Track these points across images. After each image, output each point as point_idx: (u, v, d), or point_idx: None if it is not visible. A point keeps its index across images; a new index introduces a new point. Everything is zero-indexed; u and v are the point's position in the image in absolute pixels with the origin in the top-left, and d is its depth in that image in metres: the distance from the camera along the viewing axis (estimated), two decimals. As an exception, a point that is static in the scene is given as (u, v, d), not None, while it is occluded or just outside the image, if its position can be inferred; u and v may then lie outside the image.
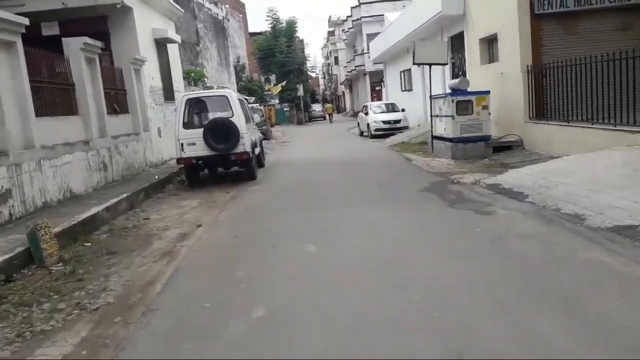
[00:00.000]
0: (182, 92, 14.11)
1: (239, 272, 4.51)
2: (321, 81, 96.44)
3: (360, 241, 5.28)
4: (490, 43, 14.78)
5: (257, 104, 29.67)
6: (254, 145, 11.04)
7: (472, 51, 15.57)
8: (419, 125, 23.07)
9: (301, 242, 5.39)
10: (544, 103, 12.25)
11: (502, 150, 12.70)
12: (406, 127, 21.91)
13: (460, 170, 10.48)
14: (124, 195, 8.35)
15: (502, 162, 11.23)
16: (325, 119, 49.61)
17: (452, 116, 12.73)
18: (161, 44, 14.85)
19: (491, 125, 12.84)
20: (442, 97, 13.41)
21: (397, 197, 7.85)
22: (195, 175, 10.94)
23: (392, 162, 13.09)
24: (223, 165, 10.97)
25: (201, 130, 10.04)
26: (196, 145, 10.11)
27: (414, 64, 14.47)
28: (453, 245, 4.97)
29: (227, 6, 40.89)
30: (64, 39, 9.10)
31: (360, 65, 44.11)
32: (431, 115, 14.39)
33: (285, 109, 42.17)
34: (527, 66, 12.16)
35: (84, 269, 4.87)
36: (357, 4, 44.24)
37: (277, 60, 43.85)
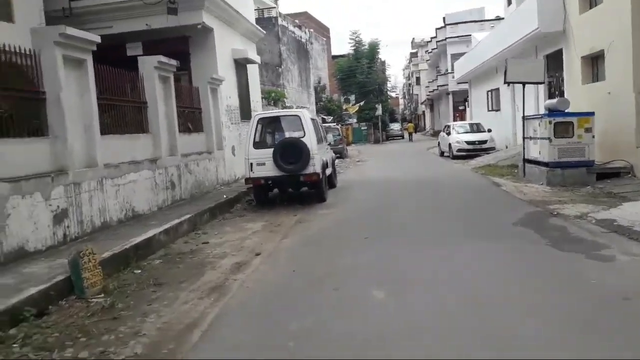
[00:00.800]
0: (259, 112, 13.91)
1: (291, 323, 3.77)
2: (401, 101, 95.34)
3: (438, 293, 4.31)
4: (594, 61, 13.16)
5: (334, 123, 29.33)
6: (325, 166, 10.41)
7: (572, 70, 13.97)
8: (506, 147, 21.37)
9: (368, 286, 4.56)
10: (660, 126, 10.53)
11: (608, 177, 11.05)
12: (492, 149, 20.33)
13: (559, 200, 9.12)
14: (187, 217, 8.00)
15: (610, 191, 9.66)
16: (403, 137, 48.67)
17: (548, 138, 11.31)
18: (241, 64, 14.81)
19: (595, 149, 11.25)
20: (538, 117, 12.03)
21: (485, 231, 6.77)
22: (264, 196, 10.48)
23: (477, 186, 11.86)
24: (292, 186, 10.44)
25: (271, 150, 9.58)
26: (265, 165, 9.66)
27: (505, 82, 13.19)
28: (563, 307, 3.84)
29: (312, 30, 41.42)
30: (139, 58, 9.07)
31: (443, 85, 42.60)
32: (523, 137, 12.99)
33: (362, 128, 41.57)
34: (642, 84, 10.54)
35: (124, 303, 4.39)
36: (443, 25, 42.97)
37: (357, 81, 43.56)
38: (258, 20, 28.45)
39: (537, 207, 8.38)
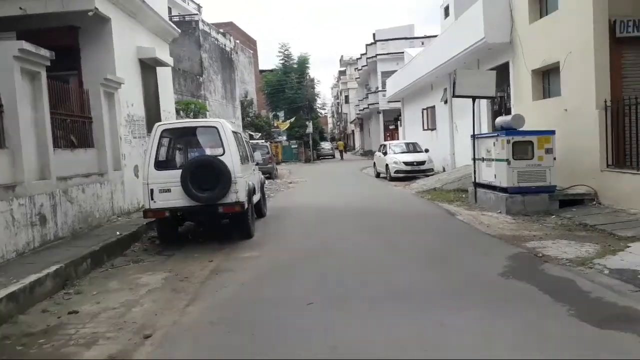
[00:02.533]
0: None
1: None
2: (330, 120, 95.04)
3: None
4: (545, 75, 12.20)
5: (263, 141, 27.23)
6: (251, 192, 8.30)
7: (521, 85, 12.97)
8: (443, 169, 20.39)
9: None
10: (624, 147, 9.52)
11: (571, 205, 9.89)
12: (431, 170, 19.21)
13: (531, 234, 7.66)
14: (53, 269, 5.55)
15: (583, 222, 8.38)
16: (334, 157, 47.65)
17: (506, 160, 10.00)
18: (148, 67, 12.39)
19: (556, 173, 10.06)
20: (493, 136, 10.70)
21: (470, 289, 4.97)
22: (171, 232, 8.15)
23: (430, 216, 10.24)
24: (207, 219, 8.24)
25: (179, 172, 7.32)
26: (171, 192, 7.38)
27: (454, 96, 11.84)
28: None
29: (238, 41, 39.23)
30: (-10, 42, 6.54)
31: (374, 104, 41.96)
32: (474, 158, 11.65)
33: (293, 146, 39.77)
34: (605, 101, 9.50)
35: None
36: (373, 41, 42.51)
37: (286, 96, 41.92)
38: (176, 24, 25.91)
39: (513, 246, 6.80)
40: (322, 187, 17.61)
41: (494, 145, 10.56)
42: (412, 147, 20.78)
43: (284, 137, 41.73)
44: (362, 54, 46.43)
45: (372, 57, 41.36)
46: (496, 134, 10.52)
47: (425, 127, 22.92)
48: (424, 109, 23.03)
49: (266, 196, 13.23)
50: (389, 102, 37.02)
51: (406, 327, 3.97)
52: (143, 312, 4.68)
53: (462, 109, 18.44)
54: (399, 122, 32.44)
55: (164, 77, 13.81)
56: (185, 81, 22.82)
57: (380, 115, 41.31)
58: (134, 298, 5.13)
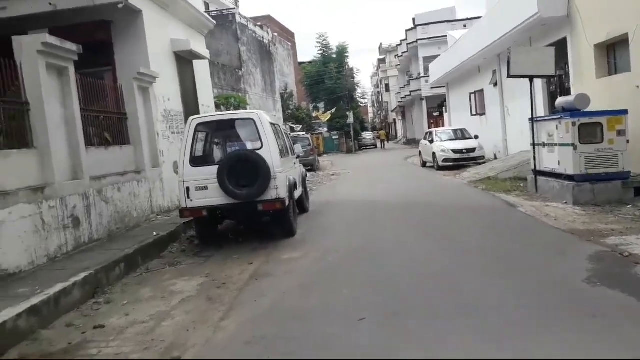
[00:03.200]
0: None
1: None
2: (370, 109, 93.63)
3: None
4: (610, 49, 10.98)
5: (304, 133, 26.72)
6: (292, 187, 7.72)
7: (582, 62, 11.76)
8: (495, 156, 19.22)
9: None
10: None
11: (647, 193, 8.81)
12: (482, 158, 18.08)
13: (608, 228, 6.72)
14: (82, 276, 5.17)
15: (669, 214, 7.34)
16: (376, 146, 46.71)
17: (572, 145, 8.98)
18: (184, 60, 12.02)
19: (629, 157, 8.97)
20: (555, 119, 9.67)
21: (550, 300, 4.17)
22: (210, 232, 7.70)
23: (487, 208, 9.37)
24: (247, 217, 7.73)
25: (215, 168, 6.83)
26: (208, 190, 6.90)
27: (509, 76, 10.83)
28: None
29: (276, 34, 38.81)
30: (13, 38, 6.21)
31: (416, 90, 40.61)
32: (533, 144, 10.64)
33: (334, 137, 39.08)
34: (688, 72, 8.33)
35: None
36: (413, 26, 41.09)
37: (326, 87, 41.20)
38: (213, 18, 25.68)
39: (591, 243, 5.92)
40: (366, 179, 16.89)
41: (557, 128, 9.54)
42: (461, 134, 19.68)
43: (325, 129, 41.10)
44: (402, 40, 45.07)
45: (413, 42, 39.98)
46: (559, 116, 9.49)
47: (474, 112, 21.72)
48: (471, 93, 21.82)
49: (308, 190, 12.71)
50: (432, 88, 35.70)
51: (478, 354, 3.27)
52: (174, 326, 4.18)
53: (513, 91, 17.25)
54: (444, 108, 31.18)
55: (202, 70, 13.45)
56: (224, 75, 22.54)
57: (424, 102, 39.96)
58: (165, 309, 4.66)
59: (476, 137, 19.11)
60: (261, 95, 26.96)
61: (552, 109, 14.18)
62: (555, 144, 9.66)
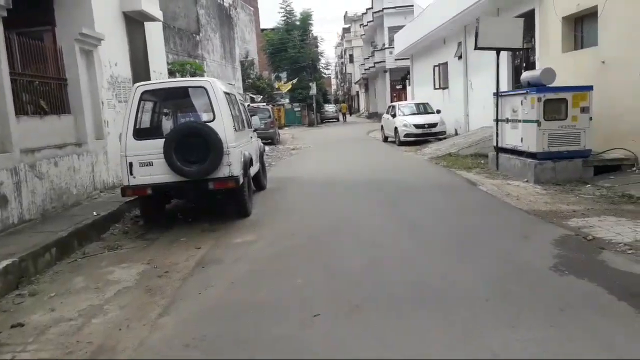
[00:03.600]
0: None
1: None
2: (333, 81, 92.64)
3: None
4: (578, 22, 10.82)
5: (264, 104, 25.90)
6: (247, 164, 7.20)
7: (549, 35, 11.60)
8: (456, 131, 19.18)
9: None
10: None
11: (606, 171, 8.80)
12: (443, 133, 18.00)
13: (569, 209, 6.61)
14: (2, 265, 4.57)
15: (625, 192, 7.31)
16: (338, 120, 46.29)
17: (536, 121, 8.85)
18: (135, 21, 11.10)
19: (592, 135, 8.90)
20: (521, 94, 9.47)
21: (517, 290, 3.91)
22: (156, 211, 7.14)
23: (448, 186, 9.16)
24: (196, 196, 7.21)
25: (162, 142, 6.23)
26: (153, 166, 6.31)
27: (476, 48, 10.50)
28: None
29: (237, -3, 37.23)
30: None
31: (380, 62, 40.11)
32: (496, 120, 10.46)
33: (296, 109, 38.32)
34: (653, 50, 8.23)
35: None
36: (379, -7, 40.28)
37: (289, 56, 40.09)
38: (170, -21, 24.15)
39: (554, 225, 5.76)
40: (327, 154, 16.49)
41: (522, 104, 9.35)
42: (423, 108, 19.48)
43: (287, 100, 40.23)
44: (367, 9, 44.27)
45: (379, 11, 39.28)
46: (525, 91, 9.28)
47: (437, 86, 21.51)
48: (435, 66, 21.56)
49: (267, 165, 12.23)
50: (396, 59, 35.28)
51: (442, 352, 2.97)
52: (105, 324, 3.70)
53: (478, 65, 17.07)
54: (407, 81, 30.91)
55: (154, 34, 12.52)
56: (180, 40, 21.38)
57: (387, 75, 39.60)
58: (98, 303, 4.15)
59: (438, 111, 18.95)
60: (220, 62, 25.87)
61: (516, 83, 14.07)
62: (519, 120, 9.49)
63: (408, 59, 28.90)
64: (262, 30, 49.01)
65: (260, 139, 9.99)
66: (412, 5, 31.64)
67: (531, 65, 12.60)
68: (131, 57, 10.81)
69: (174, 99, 7.39)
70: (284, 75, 43.08)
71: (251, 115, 20.79)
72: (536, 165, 8.82)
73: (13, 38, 6.88)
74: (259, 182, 9.34)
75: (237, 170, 6.49)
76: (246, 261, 5.03)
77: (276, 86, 40.98)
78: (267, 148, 19.03)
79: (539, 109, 8.80)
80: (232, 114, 6.75)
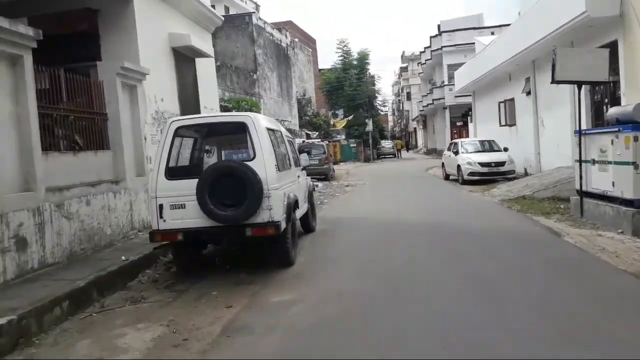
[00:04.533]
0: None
1: None
2: (390, 118, 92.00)
3: None
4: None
5: (319, 140, 25.41)
6: (291, 207, 6.34)
7: (636, 67, 10.21)
8: (525, 171, 17.61)
9: None
10: None
11: None
12: (512, 172, 16.50)
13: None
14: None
15: None
16: (395, 156, 45.25)
17: (632, 163, 7.46)
18: (184, 57, 10.84)
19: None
20: (611, 132, 8.13)
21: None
22: (189, 258, 6.39)
23: (527, 236, 7.85)
24: (233, 242, 6.41)
25: (195, 182, 5.52)
26: (186, 209, 5.59)
27: (553, 81, 9.31)
28: None
29: (296, 39, 37.80)
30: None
31: (439, 99, 39.02)
32: (580, 160, 9.11)
33: (352, 145, 37.65)
34: None
35: None
36: (438, 32, 39.58)
37: (345, 94, 39.89)
38: (228, 18, 24.69)
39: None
40: (384, 192, 15.45)
41: (613, 143, 8.00)
42: (488, 146, 18.10)
43: (343, 136, 39.75)
44: (426, 47, 43.55)
45: (437, 49, 38.44)
46: (616, 129, 7.95)
47: (503, 123, 20.11)
48: (500, 102, 20.23)
49: (318, 203, 11.41)
50: (456, 96, 34.14)
51: None
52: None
53: (549, 101, 15.70)
54: (468, 117, 29.54)
55: (206, 69, 12.24)
56: (237, 78, 21.45)
57: (447, 111, 38.32)
58: (94, 382, 3.34)
59: (505, 149, 17.54)
60: (276, 100, 25.80)
61: (596, 120, 12.61)
62: (610, 162, 8.13)
63: (469, 95, 27.70)
64: (320, 70, 49.42)
65: (310, 177, 9.19)
66: (472, 43, 30.62)
67: (615, 101, 11.17)
68: (180, 93, 10.48)
69: (213, 136, 6.75)
70: (340, 112, 42.86)
71: (305, 151, 20.10)
72: (634, 215, 7.40)
73: (58, 73, 6.59)
74: (307, 224, 8.49)
75: (278, 214, 5.65)
76: (280, 332, 4.08)
77: (332, 123, 40.70)
78: (320, 184, 18.34)
79: (635, 150, 7.46)
80: (275, 152, 5.97)
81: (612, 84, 11.52)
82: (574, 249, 6.74)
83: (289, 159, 6.99)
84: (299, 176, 7.55)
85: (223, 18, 13.28)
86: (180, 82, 10.58)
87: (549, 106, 15.66)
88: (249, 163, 5.59)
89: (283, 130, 7.32)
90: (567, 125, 14.14)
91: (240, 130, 5.89)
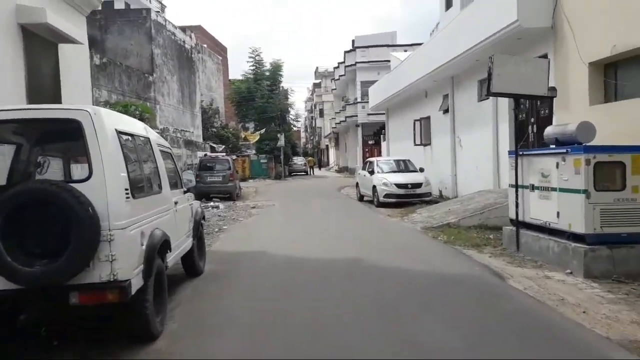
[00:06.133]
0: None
1: None
2: (303, 134, 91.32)
3: None
4: (610, 69, 8.71)
5: (224, 154, 23.15)
6: (155, 252, 4.22)
7: (569, 84, 9.46)
8: (440, 193, 16.82)
9: None
10: None
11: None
12: (428, 194, 15.55)
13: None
14: None
15: None
16: (307, 173, 44.06)
17: (583, 191, 6.37)
18: (41, 41, 8.35)
19: (656, 212, 6.46)
20: (557, 153, 7.01)
21: None
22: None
23: (465, 279, 6.39)
24: (50, 313, 4.22)
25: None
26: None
27: (488, 94, 8.17)
28: None
29: (205, 45, 35.25)
30: None
31: (352, 116, 38.45)
32: (516, 185, 7.98)
33: (262, 161, 35.64)
34: None
35: None
36: (352, 48, 39.14)
37: (256, 106, 37.89)
38: (123, 12, 21.97)
39: None
40: (294, 216, 13.65)
41: (558, 166, 6.91)
42: (404, 166, 17.10)
43: (253, 151, 37.62)
44: (339, 63, 42.97)
45: (351, 65, 37.94)
46: (563, 150, 6.84)
47: (417, 142, 19.32)
48: (416, 120, 19.45)
49: (215, 232, 9.40)
50: (369, 114, 33.68)
51: None
52: None
53: (468, 119, 14.99)
54: (381, 136, 28.92)
55: (74, 61, 9.73)
56: (129, 79, 18.69)
57: (359, 129, 37.79)
58: None
59: (421, 169, 16.63)
60: (176, 107, 23.19)
61: (518, 141, 11.87)
62: (554, 188, 7.02)
63: (383, 113, 27.07)
64: (231, 81, 47.02)
65: (212, 196, 7.12)
66: (387, 60, 30.29)
67: (544, 120, 10.39)
68: (31, 86, 7.96)
69: (30, 142, 4.48)
70: (251, 125, 40.73)
71: (209, 167, 17.46)
72: (586, 253, 6.27)
73: None
74: (191, 265, 6.44)
75: (127, 269, 3.59)
76: None
77: (242, 136, 38.40)
78: (221, 206, 16.13)
79: (587, 175, 6.36)
80: (128, 169, 3.90)
81: (536, 102, 10.78)
82: (527, 299, 5.35)
83: (158, 179, 4.91)
84: (176, 202, 5.47)
85: (99, 1, 10.80)
86: (32, 72, 8.06)
87: (468, 124, 14.94)
88: (79, 185, 3.48)
89: (154, 136, 5.23)
90: (488, 144, 13.39)
91: (73, 133, 3.75)
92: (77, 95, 9.79)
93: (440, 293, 5.72)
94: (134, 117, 15.85)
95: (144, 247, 3.98)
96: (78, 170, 4.02)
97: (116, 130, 3.92)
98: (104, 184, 3.55)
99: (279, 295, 5.65)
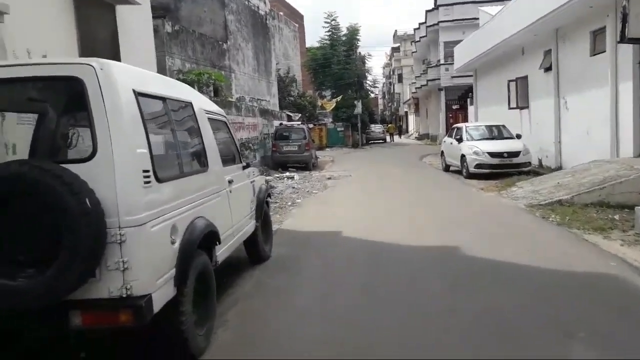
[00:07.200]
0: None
1: None
2: (380, 101, 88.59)
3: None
4: None
5: (299, 123, 22.26)
6: (192, 251, 3.23)
7: None
8: (540, 163, 14.80)
9: None
10: None
11: None
12: (527, 164, 13.59)
13: None
14: None
15: None
16: (385, 141, 42.27)
17: None
18: (95, 2, 7.66)
19: None
20: None
21: None
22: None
23: (597, 280, 4.89)
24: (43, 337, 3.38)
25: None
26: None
27: (622, 40, 6.35)
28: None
29: (281, 13, 34.28)
30: None
31: (434, 80, 35.86)
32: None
33: (339, 129, 34.48)
34: None
35: None
36: (434, 6, 36.26)
37: (333, 72, 36.50)
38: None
39: None
40: (372, 189, 12.43)
41: None
42: (498, 132, 15.15)
43: (330, 119, 36.54)
44: (420, 23, 40.19)
45: (433, 25, 35.18)
46: None
47: (512, 105, 17.12)
48: (510, 81, 17.20)
49: (288, 205, 8.53)
50: (453, 77, 31.17)
51: None
52: None
53: (575, 78, 12.81)
54: (468, 100, 26.54)
55: (135, 24, 9.04)
56: (203, 47, 18.12)
57: (442, 93, 35.24)
58: None
59: (518, 136, 14.62)
60: (252, 75, 22.50)
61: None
62: None
63: (470, 75, 24.71)
64: (307, 49, 45.88)
65: (261, 176, 6.16)
66: (473, 18, 27.48)
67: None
68: (84, 50, 7.31)
69: (18, 109, 3.59)
70: (327, 93, 39.58)
71: (285, 136, 16.47)
72: None
73: None
74: (254, 251, 5.51)
75: (145, 279, 2.62)
76: None
77: (319, 104, 37.39)
78: (296, 176, 15.29)
79: None
80: (148, 143, 2.88)
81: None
82: None
83: (203, 154, 3.90)
84: (231, 181, 4.47)
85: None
86: (85, 36, 7.40)
87: (576, 84, 12.73)
88: (77, 167, 2.52)
89: (200, 100, 4.22)
90: (603, 107, 11.23)
91: (74, 96, 2.80)
92: (139, 60, 9.08)
93: (572, 304, 4.29)
94: (208, 85, 15.43)
95: (176, 245, 3.01)
96: (81, 145, 3.09)
97: (134, 91, 2.90)
98: (112, 164, 2.57)
99: (359, 301, 4.48)
